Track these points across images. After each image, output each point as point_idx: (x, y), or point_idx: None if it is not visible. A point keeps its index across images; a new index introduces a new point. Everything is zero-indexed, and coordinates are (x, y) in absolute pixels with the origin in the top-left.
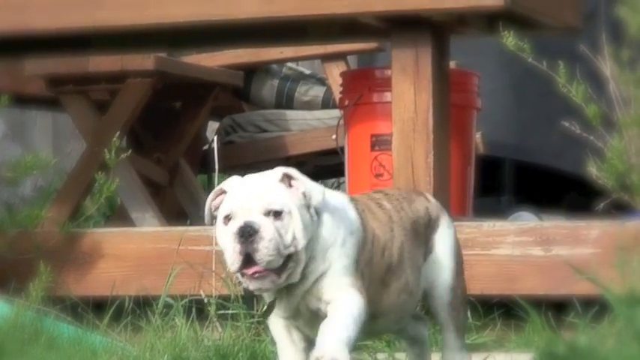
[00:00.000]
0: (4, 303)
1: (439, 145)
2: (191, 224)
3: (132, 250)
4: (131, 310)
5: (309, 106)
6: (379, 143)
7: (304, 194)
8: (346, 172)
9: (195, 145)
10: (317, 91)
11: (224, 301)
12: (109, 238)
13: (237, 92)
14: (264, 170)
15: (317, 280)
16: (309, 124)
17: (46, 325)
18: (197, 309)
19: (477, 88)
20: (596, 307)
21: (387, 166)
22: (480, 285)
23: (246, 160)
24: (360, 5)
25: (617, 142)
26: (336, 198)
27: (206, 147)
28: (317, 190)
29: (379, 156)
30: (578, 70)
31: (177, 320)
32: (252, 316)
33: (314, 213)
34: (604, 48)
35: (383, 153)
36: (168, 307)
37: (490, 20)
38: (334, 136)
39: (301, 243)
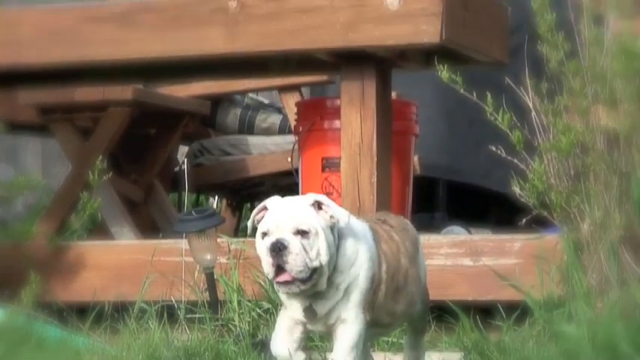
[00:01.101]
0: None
1: (382, 167)
2: (163, 238)
3: (111, 260)
4: (110, 315)
5: (267, 132)
6: (329, 165)
7: (331, 217)
8: (300, 191)
9: (168, 166)
10: (275, 119)
11: (192, 306)
12: (91, 250)
13: (205, 120)
14: (226, 189)
15: (346, 292)
16: (268, 148)
17: (35, 328)
18: (168, 313)
19: (415, 116)
20: (518, 311)
21: (336, 186)
22: None
23: (213, 180)
24: (314, 42)
25: (538, 164)
26: (360, 224)
27: (177, 168)
28: (343, 215)
29: (329, 177)
30: (504, 100)
31: (150, 323)
32: (217, 320)
33: (336, 234)
34: (527, 81)
35: (332, 174)
36: (142, 311)
37: (427, 55)
38: (289, 159)
39: (324, 259)
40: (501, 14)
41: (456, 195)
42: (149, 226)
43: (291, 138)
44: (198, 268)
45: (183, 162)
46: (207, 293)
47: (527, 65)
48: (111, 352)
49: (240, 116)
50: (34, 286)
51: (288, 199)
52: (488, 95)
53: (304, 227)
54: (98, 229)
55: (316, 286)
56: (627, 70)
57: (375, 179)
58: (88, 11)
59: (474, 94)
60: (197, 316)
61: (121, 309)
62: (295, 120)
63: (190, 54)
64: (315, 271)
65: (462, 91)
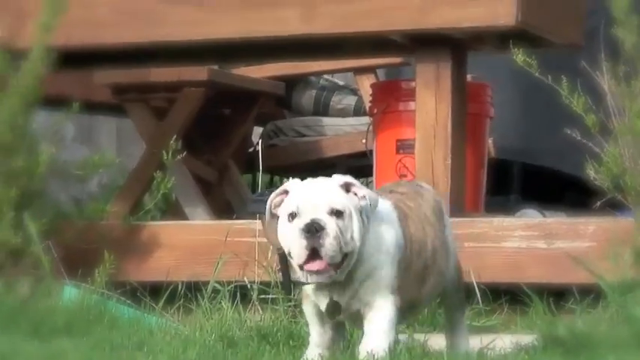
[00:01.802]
0: (73, 287)
1: (456, 149)
2: (237, 218)
3: (184, 240)
4: (183, 295)
5: (342, 113)
6: (403, 147)
7: (362, 198)
8: (374, 173)
9: (242, 147)
10: (349, 100)
11: (265, 287)
12: (165, 230)
13: (280, 101)
14: (302, 170)
15: (361, 283)
16: (342, 130)
17: (109, 307)
18: (241, 294)
19: (489, 98)
20: (592, 294)
21: (410, 168)
22: (490, 274)
23: (287, 161)
24: (389, 24)
25: (613, 147)
26: (384, 205)
27: (251, 149)
28: (374, 197)
29: (403, 158)
30: (579, 83)
31: (223, 304)
32: (290, 301)
33: (366, 218)
34: (602, 64)
35: (407, 156)
36: (215, 292)
37: (502, 38)
38: (364, 141)
39: (357, 244)
40: None
41: (531, 178)
42: (223, 206)
43: (365, 119)
44: (271, 248)
45: (258, 143)
46: (280, 274)
47: (603, 48)
48: (184, 332)
49: (315, 97)
50: (108, 266)
51: (313, 180)
52: (564, 79)
53: (339, 207)
54: (172, 209)
55: (341, 275)
56: None
57: (449, 161)
58: None
59: (549, 78)
60: (270, 296)
61: (194, 289)
62: (370, 102)
63: (266, 35)
64: (346, 257)
65: (537, 74)
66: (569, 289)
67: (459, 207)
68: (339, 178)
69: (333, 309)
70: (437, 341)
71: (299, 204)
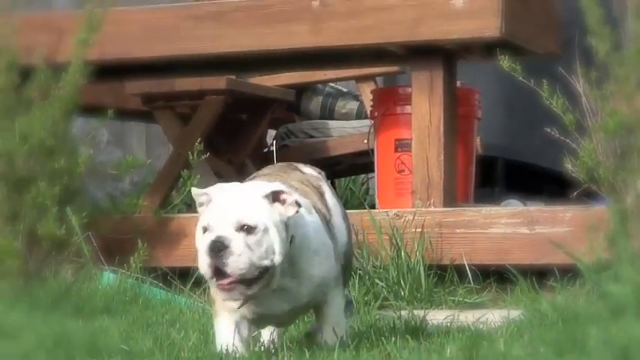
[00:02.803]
0: (111, 273)
1: (448, 147)
2: None
3: None
4: None
5: (346, 117)
6: (401, 146)
7: (292, 205)
8: (375, 169)
9: (258, 148)
10: (352, 105)
11: None
12: (191, 221)
13: (290, 106)
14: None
15: (302, 285)
16: (346, 131)
17: (142, 289)
18: None
19: (477, 102)
20: (570, 273)
21: (407, 164)
22: (479, 257)
23: (298, 159)
24: (387, 37)
25: (588, 144)
26: (306, 211)
27: (266, 149)
28: (292, 208)
29: (401, 156)
30: (558, 87)
31: None
32: None
33: (290, 229)
34: (578, 70)
35: (404, 153)
36: None
37: (488, 48)
38: (366, 141)
39: (278, 258)
40: (554, 11)
41: (513, 172)
42: None
43: (367, 122)
44: None
45: (272, 144)
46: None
47: (578, 56)
48: (210, 311)
49: (322, 103)
50: (141, 253)
51: (237, 186)
52: (544, 82)
53: (250, 222)
54: None
55: (266, 288)
56: None
57: (442, 158)
58: (187, 10)
59: (532, 82)
60: None
61: None
62: (371, 106)
63: (278, 48)
64: (266, 271)
65: (520, 78)
66: (550, 269)
67: (452, 198)
68: (264, 189)
69: (261, 319)
70: (435, 316)
71: (209, 218)
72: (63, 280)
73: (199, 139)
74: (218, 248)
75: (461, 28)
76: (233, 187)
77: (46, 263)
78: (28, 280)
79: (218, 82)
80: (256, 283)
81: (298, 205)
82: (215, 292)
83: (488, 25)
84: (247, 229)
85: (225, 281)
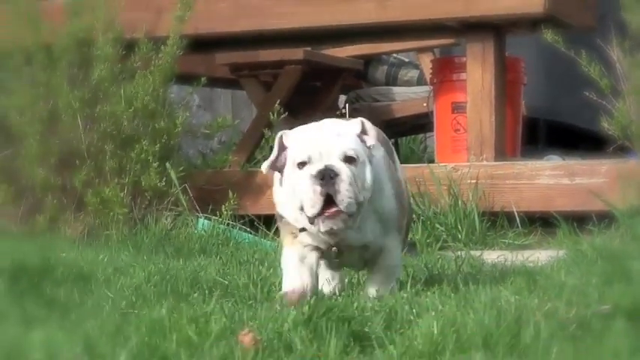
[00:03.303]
0: (205, 220)
1: (498, 109)
2: None
3: None
4: None
5: (408, 83)
6: (457, 108)
7: (373, 146)
8: (434, 129)
9: (331, 111)
10: (413, 73)
11: None
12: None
13: (359, 74)
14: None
15: (368, 224)
16: (408, 96)
17: (233, 234)
18: None
19: (523, 69)
20: (606, 219)
21: (462, 124)
22: (526, 204)
23: None
24: (445, 13)
25: (622, 105)
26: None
27: (338, 112)
28: (372, 138)
29: (457, 117)
30: (594, 56)
31: None
32: None
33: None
34: (613, 40)
35: (460, 115)
36: None
37: (533, 23)
38: (425, 104)
39: (368, 193)
40: None
41: (554, 131)
42: None
43: (426, 88)
44: None
45: (343, 107)
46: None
47: (613, 28)
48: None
49: (387, 72)
50: (231, 203)
51: (325, 124)
52: (582, 52)
53: (352, 153)
54: None
55: (354, 223)
56: None
57: (493, 119)
58: None
59: (572, 52)
60: None
61: None
62: (430, 74)
63: (348, 23)
64: (360, 206)
65: (562, 49)
66: (588, 215)
67: (502, 153)
68: (355, 123)
69: (336, 254)
70: (489, 256)
71: (309, 151)
72: (163, 226)
73: (279, 103)
74: (329, 176)
75: (509, 5)
76: (320, 125)
77: (149, 211)
78: (133, 226)
79: (296, 53)
80: (354, 217)
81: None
82: (286, 229)
83: (532, 3)
84: (350, 160)
85: (334, 209)
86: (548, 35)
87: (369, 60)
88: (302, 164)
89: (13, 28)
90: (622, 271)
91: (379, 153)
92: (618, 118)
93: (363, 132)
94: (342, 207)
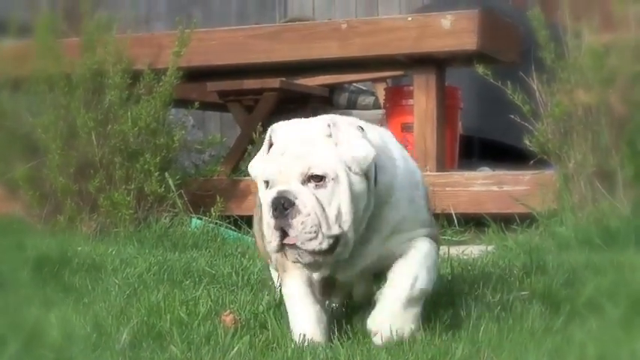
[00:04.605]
0: (197, 219)
1: (439, 129)
2: None
3: None
4: None
5: (365, 107)
6: (406, 128)
7: (352, 157)
8: None
9: None
10: (370, 99)
11: None
12: (254, 182)
13: (325, 100)
14: None
15: (387, 240)
16: (366, 118)
17: (220, 231)
18: None
19: (460, 96)
20: (528, 219)
21: (410, 141)
22: (462, 207)
23: None
24: (396, 50)
25: (541, 126)
26: (379, 134)
27: None
28: (363, 148)
29: (406, 135)
30: (518, 85)
31: None
32: None
33: (372, 173)
34: (533, 73)
35: (408, 133)
36: None
37: (468, 58)
38: (380, 125)
39: (348, 220)
40: (515, 30)
41: (486, 147)
42: None
43: (380, 111)
44: None
45: None
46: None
47: (533, 63)
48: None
49: (348, 97)
50: (219, 206)
51: (299, 122)
52: (508, 83)
53: (318, 171)
54: None
55: (339, 256)
56: (595, 66)
57: (435, 137)
58: (251, 30)
59: (499, 82)
60: None
61: None
62: (384, 100)
63: (317, 58)
64: (338, 241)
65: (492, 80)
66: (513, 217)
67: (442, 165)
68: (322, 123)
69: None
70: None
71: (268, 169)
72: (163, 225)
73: (260, 123)
74: (283, 206)
75: (448, 43)
76: (295, 122)
77: (151, 213)
78: (137, 225)
79: (273, 82)
80: (329, 253)
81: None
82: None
83: (467, 42)
84: (317, 180)
85: (293, 244)
86: (480, 69)
87: (334, 88)
88: (266, 184)
89: (39, 61)
90: (539, 263)
91: (378, 135)
92: (538, 137)
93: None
94: (298, 244)
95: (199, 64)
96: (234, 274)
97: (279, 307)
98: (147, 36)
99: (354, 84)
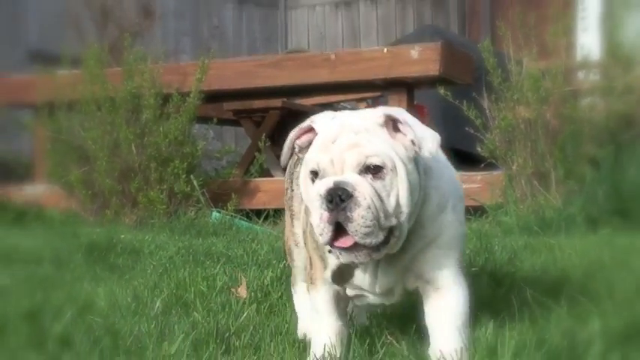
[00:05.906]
0: (217, 212)
1: None
2: None
3: (273, 187)
4: (273, 215)
5: None
6: None
7: (413, 142)
8: None
9: None
10: None
11: None
12: (262, 182)
13: None
14: None
15: (420, 252)
16: None
17: (235, 222)
18: None
19: (426, 112)
20: (479, 211)
21: None
22: None
23: None
24: (374, 75)
25: (490, 136)
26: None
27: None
28: (430, 136)
29: None
30: (472, 104)
31: None
32: None
33: (422, 169)
34: (484, 93)
35: None
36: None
37: (432, 82)
38: None
39: (405, 211)
40: (470, 59)
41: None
42: None
43: None
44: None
45: None
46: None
47: (484, 85)
48: (272, 233)
49: None
50: (234, 201)
51: (346, 114)
52: (465, 101)
53: (377, 161)
54: (265, 172)
55: (391, 249)
56: (533, 87)
57: None
58: (258, 61)
59: (457, 101)
60: None
61: (280, 212)
62: None
63: (311, 82)
64: (391, 232)
65: (450, 99)
66: (468, 209)
67: None
68: (379, 113)
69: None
70: None
71: (320, 159)
72: (189, 217)
73: (265, 135)
74: (340, 198)
75: (416, 70)
76: (341, 114)
77: (180, 207)
78: (169, 217)
79: (277, 102)
80: (384, 247)
81: (420, 141)
82: (315, 254)
83: (432, 68)
84: (374, 171)
85: (349, 242)
86: (442, 90)
87: (325, 107)
88: (314, 174)
89: (88, 87)
90: (487, 246)
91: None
92: (488, 144)
93: (393, 122)
94: (356, 239)
95: (217, 88)
96: (245, 255)
97: (279, 281)
98: (175, 66)
99: (341, 103)
